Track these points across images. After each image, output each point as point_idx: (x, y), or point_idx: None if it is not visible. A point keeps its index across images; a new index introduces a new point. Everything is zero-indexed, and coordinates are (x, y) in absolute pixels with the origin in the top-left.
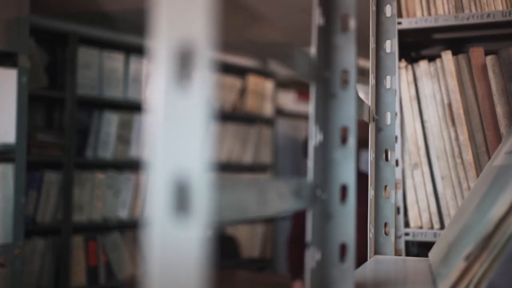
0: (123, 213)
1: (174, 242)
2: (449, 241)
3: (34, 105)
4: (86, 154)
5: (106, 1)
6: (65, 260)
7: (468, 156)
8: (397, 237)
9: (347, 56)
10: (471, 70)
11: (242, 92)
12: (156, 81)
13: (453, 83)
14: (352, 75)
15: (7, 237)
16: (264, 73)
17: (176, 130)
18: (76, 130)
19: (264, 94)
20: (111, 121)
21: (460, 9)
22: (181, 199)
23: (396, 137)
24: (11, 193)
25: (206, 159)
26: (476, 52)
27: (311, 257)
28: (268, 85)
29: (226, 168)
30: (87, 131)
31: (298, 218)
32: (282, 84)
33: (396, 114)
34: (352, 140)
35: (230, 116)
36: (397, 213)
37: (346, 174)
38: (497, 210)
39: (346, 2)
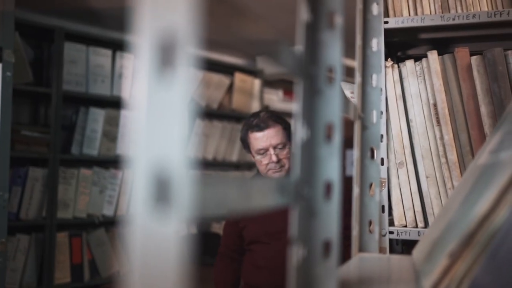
0: (108, 210)
1: (153, 235)
2: (433, 238)
3: (19, 101)
4: (71, 151)
5: None
6: (49, 257)
7: (453, 155)
8: (381, 236)
9: (333, 52)
10: (457, 70)
11: (229, 90)
12: (138, 74)
13: (438, 82)
14: (338, 72)
15: None
16: (251, 71)
17: (157, 122)
18: (62, 126)
19: (251, 92)
20: (97, 117)
21: (446, 10)
22: (161, 191)
23: (381, 136)
24: None
25: (186, 152)
26: (462, 52)
27: (296, 254)
28: (255, 83)
29: (212, 165)
30: (73, 127)
31: (226, 234)
32: (269, 82)
33: (382, 113)
34: (337, 137)
35: (217, 113)
36: (382, 211)
37: (331, 171)
38: (480, 208)
39: None
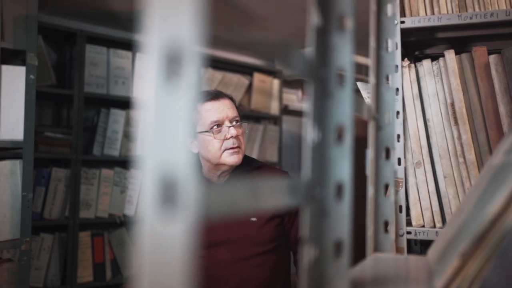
0: (129, 210)
1: (161, 236)
2: (446, 238)
3: (43, 103)
4: (93, 151)
5: (114, 0)
6: (72, 256)
7: (471, 155)
8: (399, 236)
9: (344, 55)
10: (474, 69)
11: (248, 90)
12: (146, 79)
13: (456, 82)
14: (348, 74)
15: (15, 233)
16: (270, 71)
17: (164, 127)
18: (84, 128)
19: (270, 92)
20: (118, 118)
21: (463, 8)
22: (168, 193)
23: (398, 136)
24: (19, 189)
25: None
26: (479, 51)
27: (307, 254)
28: (274, 83)
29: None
30: (94, 128)
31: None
32: (288, 82)
33: (398, 113)
34: (348, 138)
35: None
36: (399, 211)
37: (342, 171)
38: (492, 208)
39: (343, 2)
